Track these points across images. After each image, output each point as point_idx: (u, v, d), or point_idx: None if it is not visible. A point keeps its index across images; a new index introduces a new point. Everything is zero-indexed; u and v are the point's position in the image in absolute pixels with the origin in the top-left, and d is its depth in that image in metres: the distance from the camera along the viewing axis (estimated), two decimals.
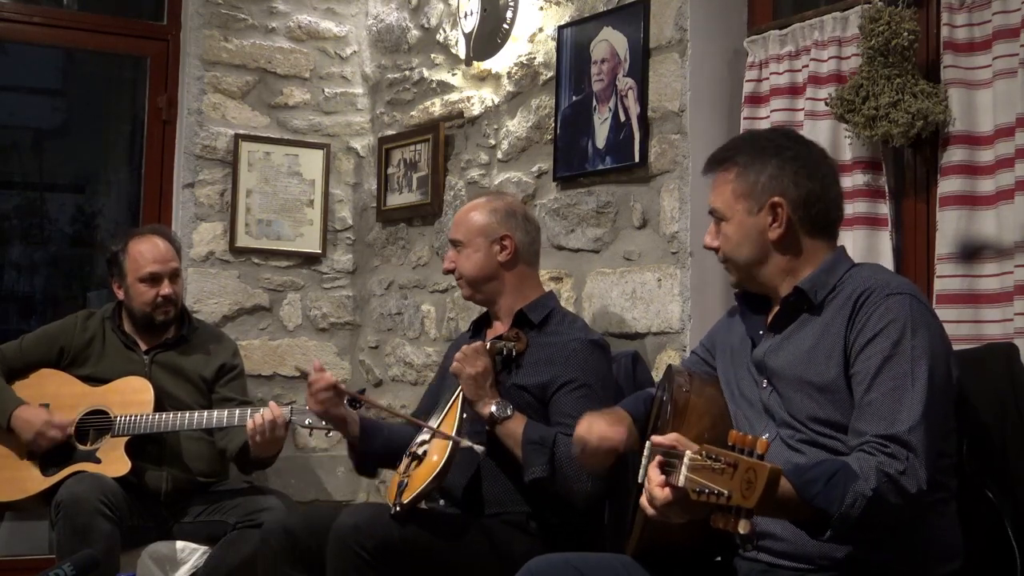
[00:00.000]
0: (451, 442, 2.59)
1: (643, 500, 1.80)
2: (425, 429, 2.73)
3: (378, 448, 2.88)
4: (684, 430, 2.00)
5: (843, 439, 1.90)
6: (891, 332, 1.87)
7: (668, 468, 1.74)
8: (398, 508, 2.52)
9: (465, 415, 2.68)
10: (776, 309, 2.11)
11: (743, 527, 1.50)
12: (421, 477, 2.57)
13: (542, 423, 2.71)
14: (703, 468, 1.59)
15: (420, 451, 2.65)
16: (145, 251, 3.47)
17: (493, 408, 2.66)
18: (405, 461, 2.68)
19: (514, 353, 2.77)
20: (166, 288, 3.45)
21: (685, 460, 1.64)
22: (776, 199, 2.05)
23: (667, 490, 1.73)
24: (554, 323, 2.86)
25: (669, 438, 1.80)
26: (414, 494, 2.53)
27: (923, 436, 1.78)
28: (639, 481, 2.20)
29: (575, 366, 2.73)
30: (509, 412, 2.66)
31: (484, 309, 3.02)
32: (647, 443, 2.22)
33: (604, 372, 2.80)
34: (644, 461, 2.21)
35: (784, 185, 2.05)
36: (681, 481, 1.65)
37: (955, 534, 1.95)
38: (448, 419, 2.69)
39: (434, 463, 2.57)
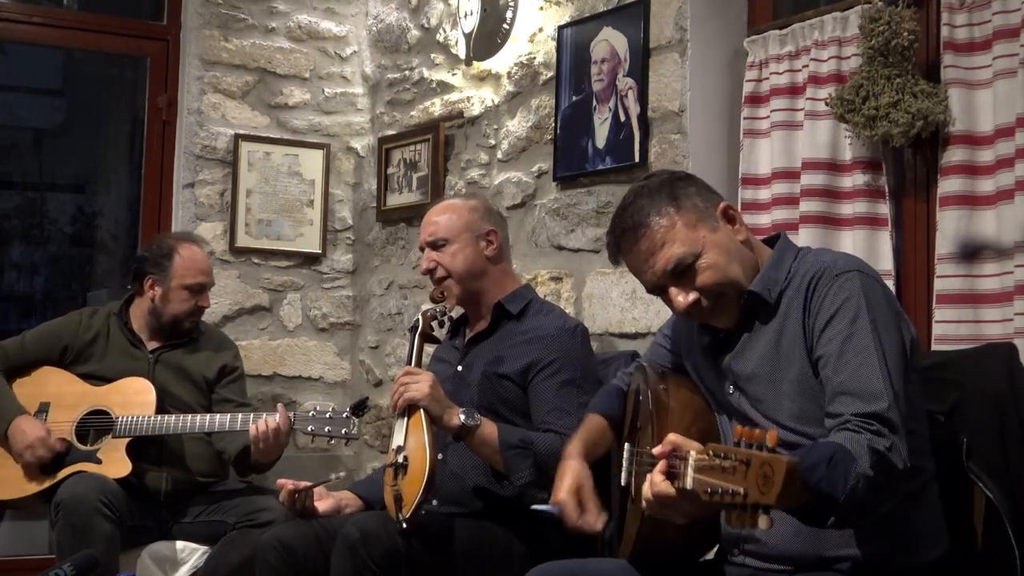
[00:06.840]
0: (427, 440, 2.50)
1: (645, 490, 1.73)
2: (391, 451, 2.61)
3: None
4: (671, 428, 1.96)
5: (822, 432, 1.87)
6: (847, 310, 1.84)
7: (671, 472, 1.68)
8: (404, 524, 2.45)
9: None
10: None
11: (764, 523, 1.45)
12: (412, 487, 2.49)
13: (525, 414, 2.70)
14: (711, 468, 1.54)
15: (400, 458, 2.55)
16: (197, 259, 3.47)
17: (462, 417, 2.57)
18: (389, 472, 2.57)
19: (447, 311, 2.74)
20: (206, 300, 3.48)
21: (690, 461, 1.60)
22: (722, 204, 2.02)
23: (670, 486, 1.67)
24: (531, 313, 2.83)
25: (667, 442, 1.71)
26: (412, 507, 2.46)
27: (898, 411, 1.77)
28: (621, 484, 2.19)
29: (554, 349, 2.70)
30: (478, 419, 2.58)
31: (463, 311, 2.99)
32: (626, 446, 2.22)
33: (583, 357, 2.75)
34: (625, 464, 2.20)
35: (712, 195, 2.03)
36: (689, 483, 1.60)
37: (939, 519, 1.93)
38: (413, 426, 2.59)
39: (419, 471, 2.48)
